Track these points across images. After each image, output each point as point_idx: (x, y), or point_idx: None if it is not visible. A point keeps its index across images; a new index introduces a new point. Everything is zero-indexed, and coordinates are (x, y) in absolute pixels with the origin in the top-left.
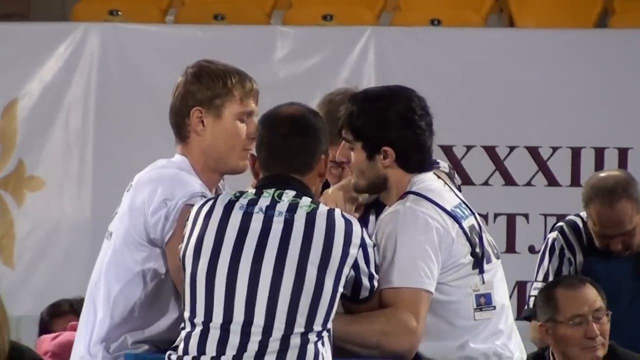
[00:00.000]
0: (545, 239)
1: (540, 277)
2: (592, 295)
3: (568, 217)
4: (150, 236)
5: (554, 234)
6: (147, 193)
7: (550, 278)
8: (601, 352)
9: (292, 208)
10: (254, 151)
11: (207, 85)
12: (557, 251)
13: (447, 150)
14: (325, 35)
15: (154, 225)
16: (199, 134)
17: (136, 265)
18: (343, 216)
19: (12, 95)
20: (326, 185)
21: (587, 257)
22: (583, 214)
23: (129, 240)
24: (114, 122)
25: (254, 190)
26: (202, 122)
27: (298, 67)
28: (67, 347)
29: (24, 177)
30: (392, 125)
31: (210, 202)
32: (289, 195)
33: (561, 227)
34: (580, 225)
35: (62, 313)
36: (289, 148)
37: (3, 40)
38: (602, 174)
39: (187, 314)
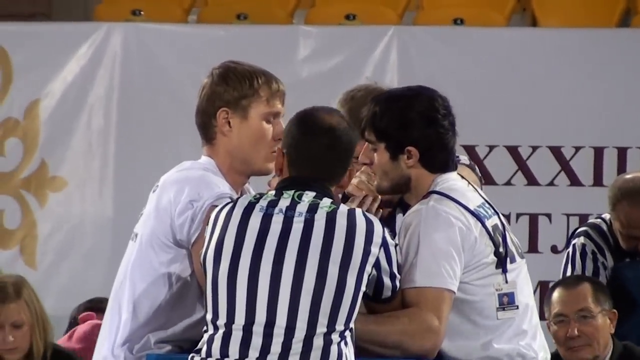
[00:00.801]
0: (568, 238)
1: None
2: (581, 295)
3: (590, 221)
4: (177, 237)
5: (581, 239)
6: (174, 194)
7: None
8: (587, 353)
9: (313, 208)
10: None
11: (234, 86)
12: (589, 255)
13: (470, 150)
14: (348, 34)
15: (180, 227)
16: (226, 135)
17: (162, 266)
18: (364, 215)
19: (34, 96)
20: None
21: (615, 259)
22: (605, 216)
23: (154, 242)
24: (136, 122)
25: (273, 192)
26: (229, 122)
27: (321, 67)
28: (85, 337)
29: (46, 177)
30: (415, 125)
31: (229, 205)
32: (309, 196)
33: (586, 231)
34: (605, 228)
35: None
36: (326, 158)
37: (25, 41)
38: (629, 176)
39: (209, 316)
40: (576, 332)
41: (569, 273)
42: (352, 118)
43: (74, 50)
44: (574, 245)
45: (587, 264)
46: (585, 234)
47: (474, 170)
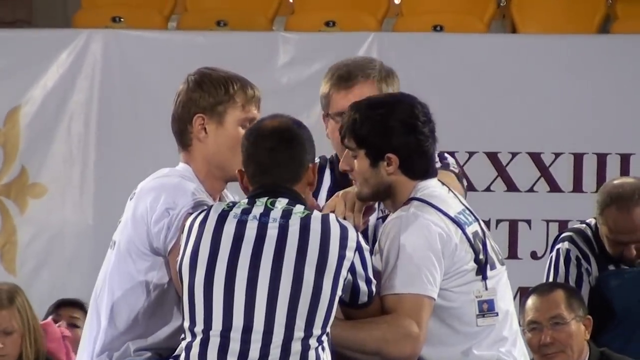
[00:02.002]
0: (553, 243)
1: None
2: (554, 302)
3: (574, 227)
4: (154, 245)
5: (565, 245)
6: (150, 202)
7: None
8: None
9: (286, 214)
10: None
11: (209, 92)
12: (573, 261)
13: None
14: (328, 41)
15: (156, 235)
16: (202, 141)
17: (139, 274)
18: (337, 221)
19: (14, 102)
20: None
21: (600, 265)
22: (590, 221)
23: (132, 249)
24: (117, 129)
25: (246, 200)
26: (205, 129)
27: (300, 73)
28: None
29: (26, 184)
30: (395, 132)
31: (204, 213)
32: (282, 202)
33: (571, 236)
34: (590, 233)
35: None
36: (276, 161)
37: (6, 47)
38: (618, 181)
39: (186, 324)
40: (549, 339)
41: (551, 278)
42: None
43: (54, 56)
44: (558, 250)
45: (571, 269)
46: (570, 240)
47: (459, 180)
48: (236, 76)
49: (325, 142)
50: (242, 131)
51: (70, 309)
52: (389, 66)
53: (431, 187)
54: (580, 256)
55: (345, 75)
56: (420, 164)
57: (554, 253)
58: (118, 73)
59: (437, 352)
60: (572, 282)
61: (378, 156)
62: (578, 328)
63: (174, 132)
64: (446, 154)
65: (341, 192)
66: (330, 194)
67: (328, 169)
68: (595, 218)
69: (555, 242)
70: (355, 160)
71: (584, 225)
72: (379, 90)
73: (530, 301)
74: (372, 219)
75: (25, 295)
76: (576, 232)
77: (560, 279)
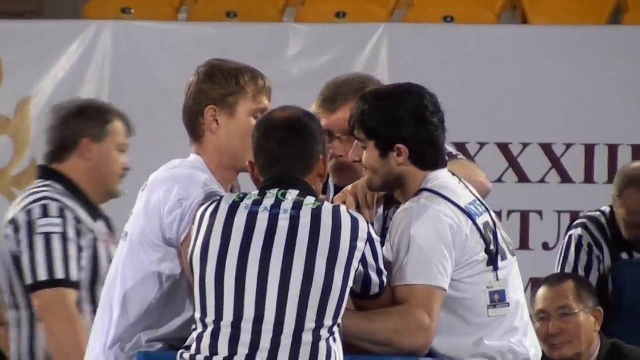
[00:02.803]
0: (559, 235)
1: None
2: (562, 293)
3: (589, 214)
4: (166, 236)
5: (578, 231)
6: (163, 193)
7: (580, 274)
8: (568, 351)
9: (297, 206)
10: None
11: (220, 84)
12: (584, 247)
13: (460, 148)
14: (338, 32)
15: (169, 226)
16: (214, 133)
17: (152, 265)
18: (348, 212)
19: (25, 94)
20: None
21: (613, 253)
22: (605, 209)
23: (144, 241)
24: None
25: (257, 192)
26: (216, 120)
27: (311, 65)
28: None
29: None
30: (404, 123)
31: (214, 204)
32: (292, 194)
33: (584, 223)
34: (604, 221)
35: None
36: (287, 152)
37: (16, 39)
38: (636, 164)
39: (197, 315)
40: (556, 329)
41: (561, 264)
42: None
43: (65, 48)
44: (570, 236)
45: (582, 256)
46: (583, 227)
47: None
48: (247, 67)
49: None
50: (253, 122)
51: None
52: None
53: (442, 178)
54: (593, 243)
55: (330, 97)
56: (430, 154)
57: (566, 239)
58: (128, 64)
59: (449, 342)
60: (581, 269)
61: (387, 147)
62: (587, 319)
63: (186, 124)
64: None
65: (350, 185)
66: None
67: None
68: (610, 206)
69: (569, 228)
70: (365, 152)
71: (598, 212)
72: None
73: (540, 291)
74: (379, 210)
75: None
76: (590, 219)
77: (570, 265)
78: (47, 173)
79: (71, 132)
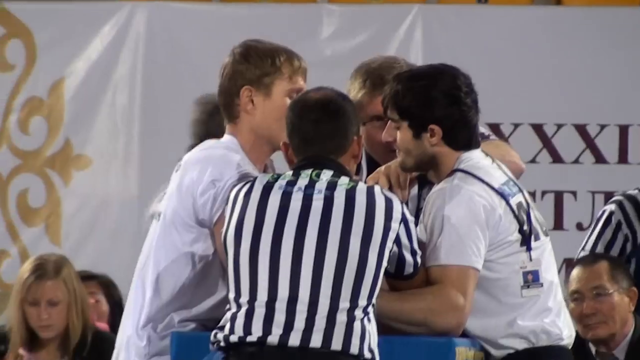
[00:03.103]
0: (593, 216)
1: (588, 247)
2: (597, 273)
3: (628, 192)
4: (199, 217)
5: (611, 207)
6: (196, 174)
7: (599, 249)
8: (602, 331)
9: (331, 186)
10: None
11: (256, 64)
12: (612, 224)
13: (495, 128)
14: (372, 13)
15: (202, 206)
16: (249, 113)
17: (184, 246)
18: (382, 192)
19: (58, 75)
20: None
21: None
22: None
23: (177, 221)
24: (160, 101)
25: (291, 172)
26: (252, 101)
27: (344, 46)
28: None
29: (71, 155)
30: (438, 103)
31: (248, 184)
32: (326, 174)
33: (620, 201)
34: None
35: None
36: (321, 132)
37: (50, 20)
38: None
39: (231, 295)
40: (590, 309)
41: (588, 237)
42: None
43: (98, 29)
44: (604, 211)
45: (607, 232)
46: (618, 203)
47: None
48: (282, 47)
49: None
50: (289, 102)
51: (85, 284)
52: (411, 63)
53: (475, 159)
54: (623, 221)
55: (378, 82)
56: (463, 135)
57: (599, 213)
58: (161, 45)
59: (482, 323)
60: (603, 243)
61: (421, 127)
62: (621, 300)
63: (221, 104)
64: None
65: (383, 166)
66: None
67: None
68: None
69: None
70: (398, 132)
71: (636, 190)
72: None
73: (575, 272)
74: (413, 190)
75: (73, 267)
76: (627, 197)
77: (592, 238)
78: None
79: (216, 125)
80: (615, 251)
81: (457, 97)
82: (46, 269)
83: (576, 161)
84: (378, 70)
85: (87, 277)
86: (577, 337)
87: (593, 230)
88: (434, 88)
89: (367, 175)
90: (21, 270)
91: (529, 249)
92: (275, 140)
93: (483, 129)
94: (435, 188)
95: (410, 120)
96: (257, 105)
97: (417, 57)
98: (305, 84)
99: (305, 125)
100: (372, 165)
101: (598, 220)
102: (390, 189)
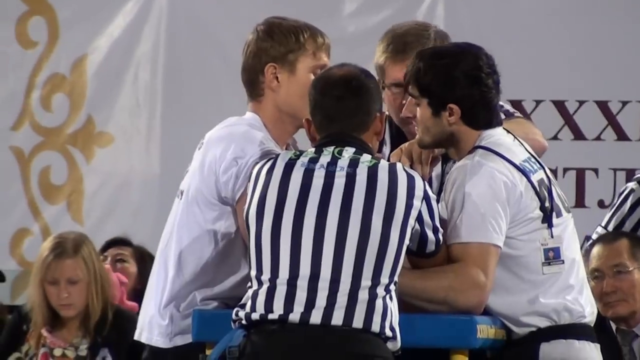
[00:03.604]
0: (614, 193)
1: (604, 222)
2: (617, 251)
3: None
4: (222, 195)
5: (632, 184)
6: (219, 151)
7: (610, 227)
8: (622, 309)
9: (354, 163)
10: None
11: (280, 41)
12: (630, 200)
13: (516, 105)
14: None
15: (225, 184)
16: (274, 90)
17: (207, 223)
18: (405, 170)
19: (81, 51)
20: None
21: None
22: None
23: (200, 199)
24: (183, 78)
25: (313, 149)
26: (277, 78)
27: (367, 22)
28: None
29: (93, 133)
30: (458, 83)
31: (270, 162)
32: (349, 151)
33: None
34: None
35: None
36: (344, 109)
37: None
38: None
39: (253, 272)
40: (610, 287)
41: (611, 216)
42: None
43: (121, 5)
44: (625, 187)
45: (624, 207)
46: (638, 181)
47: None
48: (305, 24)
49: None
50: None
51: (116, 248)
52: (443, 31)
53: (496, 135)
54: None
55: (400, 48)
56: (483, 116)
57: (621, 190)
58: (184, 22)
59: (504, 300)
60: (617, 219)
61: (440, 106)
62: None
63: (245, 82)
64: (500, 102)
65: (407, 143)
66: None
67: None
68: None
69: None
70: (418, 108)
71: None
72: None
73: (595, 250)
74: (437, 169)
75: (92, 245)
76: None
77: (609, 215)
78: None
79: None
80: (631, 227)
81: (478, 77)
82: (65, 248)
83: (598, 138)
84: (403, 36)
85: (115, 242)
86: (598, 314)
87: (612, 207)
88: (456, 68)
89: (392, 149)
90: (41, 248)
91: (550, 225)
92: (299, 117)
93: (507, 106)
94: (457, 165)
95: (430, 98)
96: (282, 83)
97: None
98: (329, 60)
99: (327, 102)
100: (396, 140)
101: (619, 196)
102: (412, 166)
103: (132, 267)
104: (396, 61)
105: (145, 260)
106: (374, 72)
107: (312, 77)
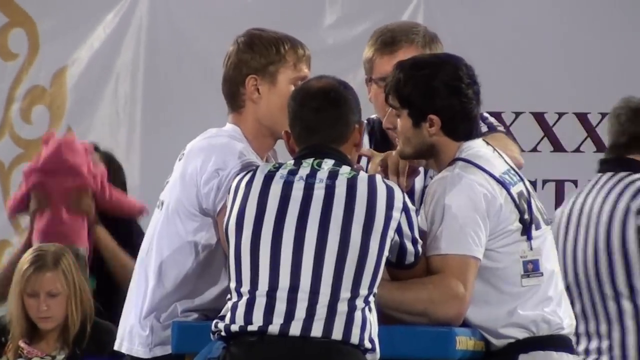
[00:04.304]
0: None
1: None
2: None
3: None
4: (203, 206)
5: None
6: (200, 162)
7: None
8: None
9: (333, 175)
10: None
11: (260, 53)
12: None
13: (496, 117)
14: (375, 1)
15: (206, 195)
16: (255, 102)
17: (188, 234)
18: (384, 181)
19: (61, 63)
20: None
21: None
22: None
23: (180, 210)
24: (163, 90)
25: (292, 161)
26: (258, 89)
27: (346, 34)
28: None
29: None
30: (438, 94)
31: (250, 174)
32: (328, 163)
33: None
34: None
35: None
36: (322, 120)
37: (52, 8)
38: None
39: (232, 285)
40: None
41: None
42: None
43: (101, 17)
44: None
45: None
46: None
47: (510, 137)
48: (286, 36)
49: (370, 104)
50: None
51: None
52: (433, 31)
53: (476, 147)
54: None
55: (389, 41)
56: (463, 127)
57: None
58: (164, 33)
59: (482, 312)
60: None
61: (420, 117)
62: None
63: (225, 94)
64: (485, 114)
65: (386, 153)
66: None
67: (367, 133)
68: None
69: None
70: (398, 119)
71: None
72: None
73: None
74: (420, 182)
75: (72, 257)
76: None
77: None
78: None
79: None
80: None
81: (458, 88)
82: (45, 260)
83: (577, 150)
84: (392, 31)
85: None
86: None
87: None
88: (435, 78)
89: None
90: (21, 261)
91: (529, 238)
92: (279, 129)
93: (491, 119)
94: (436, 177)
95: (410, 109)
96: (263, 94)
97: None
98: (310, 71)
99: (306, 113)
100: (381, 146)
101: None
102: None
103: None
104: (384, 54)
105: (114, 166)
106: (354, 82)
107: (293, 88)
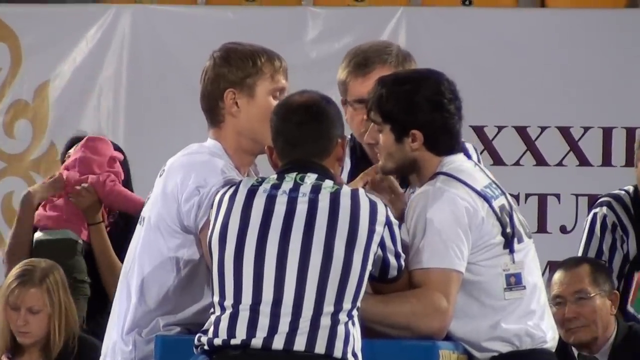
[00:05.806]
0: (577, 219)
1: (592, 254)
2: (578, 277)
3: (613, 192)
4: (184, 223)
5: (603, 210)
6: (180, 179)
7: (605, 255)
8: (584, 335)
9: (316, 189)
10: None
11: (237, 66)
12: (609, 227)
13: (479, 131)
14: (357, 15)
15: (187, 213)
16: (234, 116)
17: (169, 251)
18: (367, 196)
19: (43, 77)
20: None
21: (637, 231)
22: (628, 188)
23: (162, 226)
24: (145, 104)
25: (275, 176)
26: (236, 103)
27: (329, 48)
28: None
29: (55, 159)
30: (420, 109)
31: (233, 188)
32: (311, 177)
33: (609, 202)
34: (628, 200)
35: None
36: (305, 135)
37: (35, 22)
38: None
39: (216, 298)
40: (572, 313)
41: (586, 243)
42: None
43: (83, 32)
44: (595, 214)
45: (607, 236)
46: (608, 205)
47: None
48: (261, 48)
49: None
50: (273, 102)
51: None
52: (406, 50)
53: (458, 162)
54: (617, 222)
55: (362, 62)
56: (445, 141)
57: (590, 216)
58: (146, 48)
59: (465, 326)
60: (606, 249)
61: (403, 132)
62: (603, 303)
63: (204, 109)
64: (466, 144)
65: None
66: (351, 177)
67: (348, 148)
68: (634, 186)
69: (593, 207)
70: (381, 135)
71: (622, 191)
72: None
73: (556, 275)
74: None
75: (62, 275)
76: (615, 197)
77: (595, 245)
78: None
79: None
80: (618, 255)
81: (440, 103)
82: (32, 276)
83: (560, 164)
84: (365, 52)
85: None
86: (560, 340)
87: (590, 236)
88: (417, 93)
89: (356, 172)
90: (10, 272)
91: (511, 251)
92: (260, 141)
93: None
94: (418, 191)
95: (392, 124)
96: (242, 107)
97: None
98: (288, 82)
99: (289, 128)
100: (362, 163)
101: (593, 225)
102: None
103: None
104: (357, 76)
105: None
106: (336, 97)
107: (272, 100)
